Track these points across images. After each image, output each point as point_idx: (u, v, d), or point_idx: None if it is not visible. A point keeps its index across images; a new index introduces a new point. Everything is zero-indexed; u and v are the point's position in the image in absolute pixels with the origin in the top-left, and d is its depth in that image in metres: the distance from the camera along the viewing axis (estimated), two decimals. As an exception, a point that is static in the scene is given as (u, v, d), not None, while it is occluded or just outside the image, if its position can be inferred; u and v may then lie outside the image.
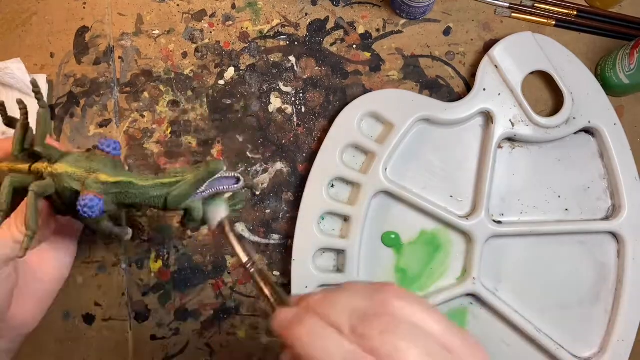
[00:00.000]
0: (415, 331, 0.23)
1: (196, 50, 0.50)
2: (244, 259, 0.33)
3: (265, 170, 0.49)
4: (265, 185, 0.49)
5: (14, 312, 0.36)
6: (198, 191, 0.35)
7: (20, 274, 0.37)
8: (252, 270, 0.33)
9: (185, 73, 0.49)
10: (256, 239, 0.49)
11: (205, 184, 0.35)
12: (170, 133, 0.49)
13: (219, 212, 0.35)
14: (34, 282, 0.38)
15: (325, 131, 0.47)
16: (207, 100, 0.49)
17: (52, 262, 0.41)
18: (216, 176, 0.35)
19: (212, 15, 0.50)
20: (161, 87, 0.49)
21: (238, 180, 0.36)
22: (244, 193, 0.41)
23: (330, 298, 0.25)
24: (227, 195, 0.37)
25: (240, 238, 0.34)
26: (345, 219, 0.47)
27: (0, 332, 0.36)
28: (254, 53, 0.49)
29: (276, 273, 0.49)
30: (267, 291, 0.32)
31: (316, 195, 0.46)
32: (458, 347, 0.24)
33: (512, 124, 0.46)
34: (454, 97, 0.49)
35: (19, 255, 0.32)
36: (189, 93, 0.49)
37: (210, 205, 0.36)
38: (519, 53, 0.46)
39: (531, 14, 0.49)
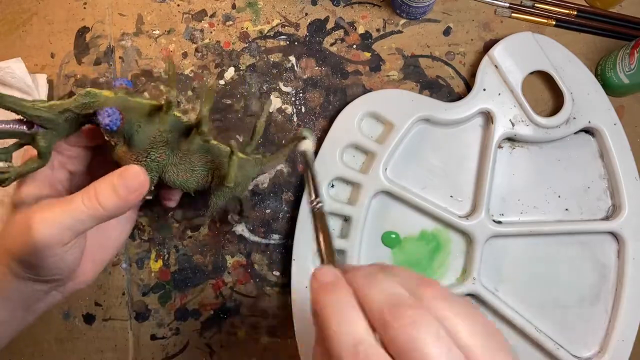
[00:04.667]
0: (442, 332, 0.22)
1: (196, 50, 0.50)
2: (313, 195, 0.31)
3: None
4: (265, 185, 0.49)
5: (77, 271, 0.35)
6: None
7: (88, 236, 0.36)
8: (318, 208, 0.30)
9: (186, 73, 0.49)
10: (256, 239, 0.49)
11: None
12: (170, 133, 0.49)
13: (304, 144, 0.35)
14: (96, 246, 0.37)
15: (325, 131, 0.47)
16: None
17: (117, 227, 0.39)
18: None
19: (212, 15, 0.50)
20: (161, 87, 0.49)
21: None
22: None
23: (375, 276, 0.24)
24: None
25: (314, 177, 0.33)
26: (345, 219, 0.47)
27: (65, 289, 0.36)
28: (254, 53, 0.49)
29: (276, 273, 0.49)
30: (321, 240, 0.29)
31: (316, 195, 0.46)
32: None
33: (512, 124, 0.46)
34: (454, 97, 0.49)
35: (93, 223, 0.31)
36: (189, 93, 0.49)
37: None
38: (519, 53, 0.46)
39: (531, 14, 0.49)
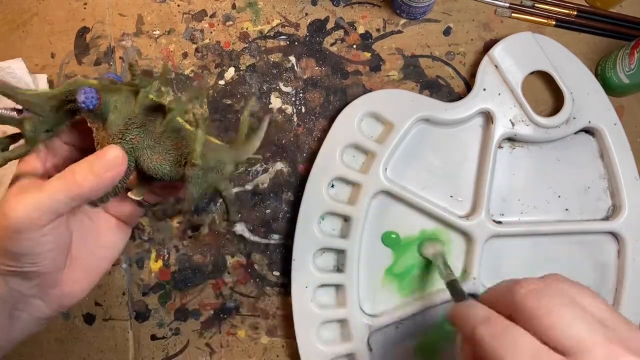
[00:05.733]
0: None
1: (196, 50, 0.50)
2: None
3: (265, 170, 0.49)
4: (265, 185, 0.49)
5: (65, 278, 0.34)
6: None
7: (76, 237, 0.34)
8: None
9: (186, 73, 0.49)
10: (256, 239, 0.49)
11: None
12: (170, 133, 0.49)
13: None
14: (87, 252, 0.35)
15: (325, 131, 0.47)
16: (207, 100, 0.49)
17: (111, 236, 0.37)
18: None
19: (213, 16, 0.50)
20: (161, 88, 0.49)
21: None
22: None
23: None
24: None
25: None
26: (345, 219, 0.47)
27: (50, 298, 0.33)
28: (254, 53, 0.49)
29: (276, 273, 0.49)
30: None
31: (316, 195, 0.46)
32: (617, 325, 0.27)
33: (512, 124, 0.46)
34: (454, 97, 0.49)
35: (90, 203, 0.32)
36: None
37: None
38: (519, 53, 0.46)
39: (531, 14, 0.49)
